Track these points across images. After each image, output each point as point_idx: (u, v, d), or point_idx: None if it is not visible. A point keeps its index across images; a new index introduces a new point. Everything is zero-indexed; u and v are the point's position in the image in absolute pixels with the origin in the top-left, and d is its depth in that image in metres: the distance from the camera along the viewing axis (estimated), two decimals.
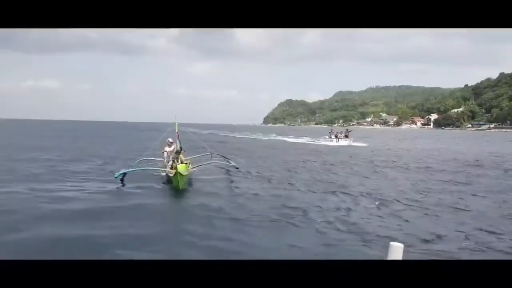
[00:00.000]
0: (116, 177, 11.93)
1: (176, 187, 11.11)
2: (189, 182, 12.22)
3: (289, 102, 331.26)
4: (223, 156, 16.63)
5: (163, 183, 12.46)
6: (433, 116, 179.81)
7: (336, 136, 40.87)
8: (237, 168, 14.97)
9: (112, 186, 11.63)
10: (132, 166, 13.46)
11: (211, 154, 16.50)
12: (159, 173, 13.36)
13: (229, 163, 15.51)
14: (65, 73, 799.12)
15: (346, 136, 40.19)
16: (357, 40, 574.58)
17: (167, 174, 12.54)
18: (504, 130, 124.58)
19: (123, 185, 11.82)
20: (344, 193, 11.25)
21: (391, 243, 3.20)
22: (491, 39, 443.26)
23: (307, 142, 44.55)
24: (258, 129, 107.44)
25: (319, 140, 44.62)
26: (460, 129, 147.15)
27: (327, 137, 43.78)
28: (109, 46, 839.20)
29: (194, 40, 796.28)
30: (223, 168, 15.58)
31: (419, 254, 6.11)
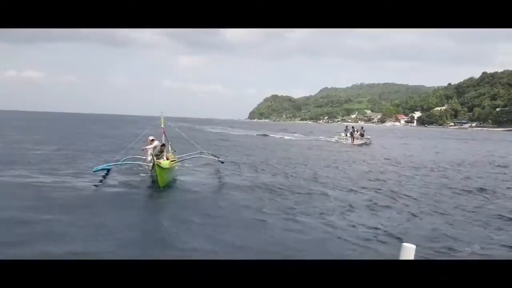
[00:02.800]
0: (94, 171, 11.43)
1: (156, 183, 10.43)
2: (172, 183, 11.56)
3: (275, 98, 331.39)
4: (213, 154, 16.19)
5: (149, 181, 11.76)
6: (417, 114, 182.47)
7: (351, 135, 35.86)
8: (223, 162, 14.69)
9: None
10: (115, 163, 12.79)
11: (201, 152, 16.17)
12: (142, 167, 12.87)
13: (216, 158, 15.24)
14: (51, 64, 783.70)
15: (362, 135, 35.47)
16: (343, 37, 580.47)
17: (150, 170, 11.96)
18: (486, 129, 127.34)
19: (100, 182, 11.29)
20: None
21: (403, 244, 3.07)
22: (474, 39, 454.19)
23: (343, 142, 36.33)
24: (261, 126, 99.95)
25: (332, 138, 39.97)
26: (443, 127, 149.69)
27: (343, 134, 38.30)
28: (96, 37, 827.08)
29: (181, 33, 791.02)
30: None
31: None
